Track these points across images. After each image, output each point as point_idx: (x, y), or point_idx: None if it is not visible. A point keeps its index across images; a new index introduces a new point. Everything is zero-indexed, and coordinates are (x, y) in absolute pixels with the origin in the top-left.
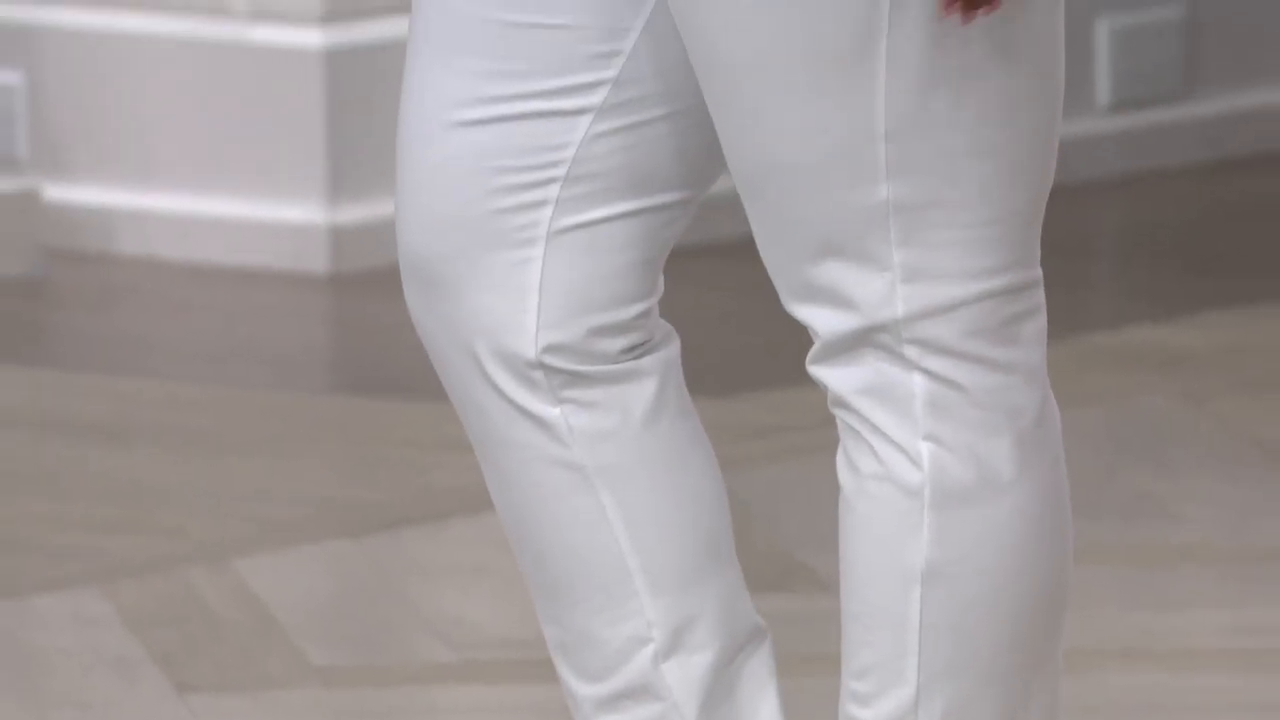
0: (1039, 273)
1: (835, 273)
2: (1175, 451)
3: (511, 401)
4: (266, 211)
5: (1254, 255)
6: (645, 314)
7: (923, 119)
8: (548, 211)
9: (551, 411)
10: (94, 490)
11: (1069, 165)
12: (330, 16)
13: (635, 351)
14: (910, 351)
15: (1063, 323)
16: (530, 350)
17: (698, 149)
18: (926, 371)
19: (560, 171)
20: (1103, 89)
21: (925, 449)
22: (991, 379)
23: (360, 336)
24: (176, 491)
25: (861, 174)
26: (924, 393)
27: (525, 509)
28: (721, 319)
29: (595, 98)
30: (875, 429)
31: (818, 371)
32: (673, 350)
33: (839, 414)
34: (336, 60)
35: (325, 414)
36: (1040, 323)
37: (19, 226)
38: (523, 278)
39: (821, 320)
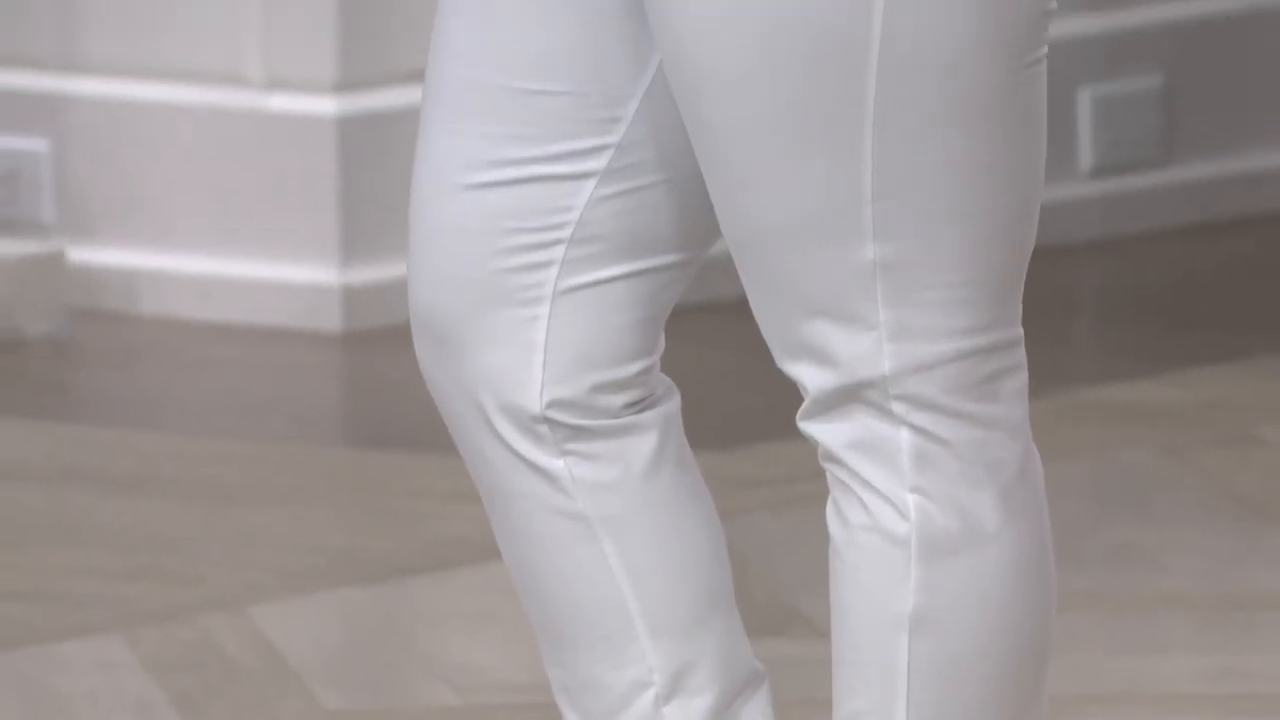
0: (1020, 331)
1: (823, 331)
2: (1157, 503)
3: (517, 454)
4: (282, 272)
5: (1231, 315)
6: (646, 371)
7: (909, 183)
8: (553, 272)
9: (555, 463)
10: (116, 540)
11: (1054, 228)
12: (343, 86)
13: (636, 406)
14: (897, 407)
15: (1048, 378)
16: (535, 405)
17: (695, 213)
18: (912, 426)
19: (566, 233)
20: (1085, 155)
21: (912, 501)
22: (974, 433)
23: (371, 392)
24: (195, 541)
25: (849, 235)
26: (910, 447)
27: (530, 557)
28: (721, 376)
29: (599, 162)
30: (864, 482)
31: (808, 427)
32: (673, 405)
33: (829, 467)
34: (349, 127)
35: (338, 467)
36: (1021, 379)
37: (45, 288)
38: (529, 335)
39: (811, 377)
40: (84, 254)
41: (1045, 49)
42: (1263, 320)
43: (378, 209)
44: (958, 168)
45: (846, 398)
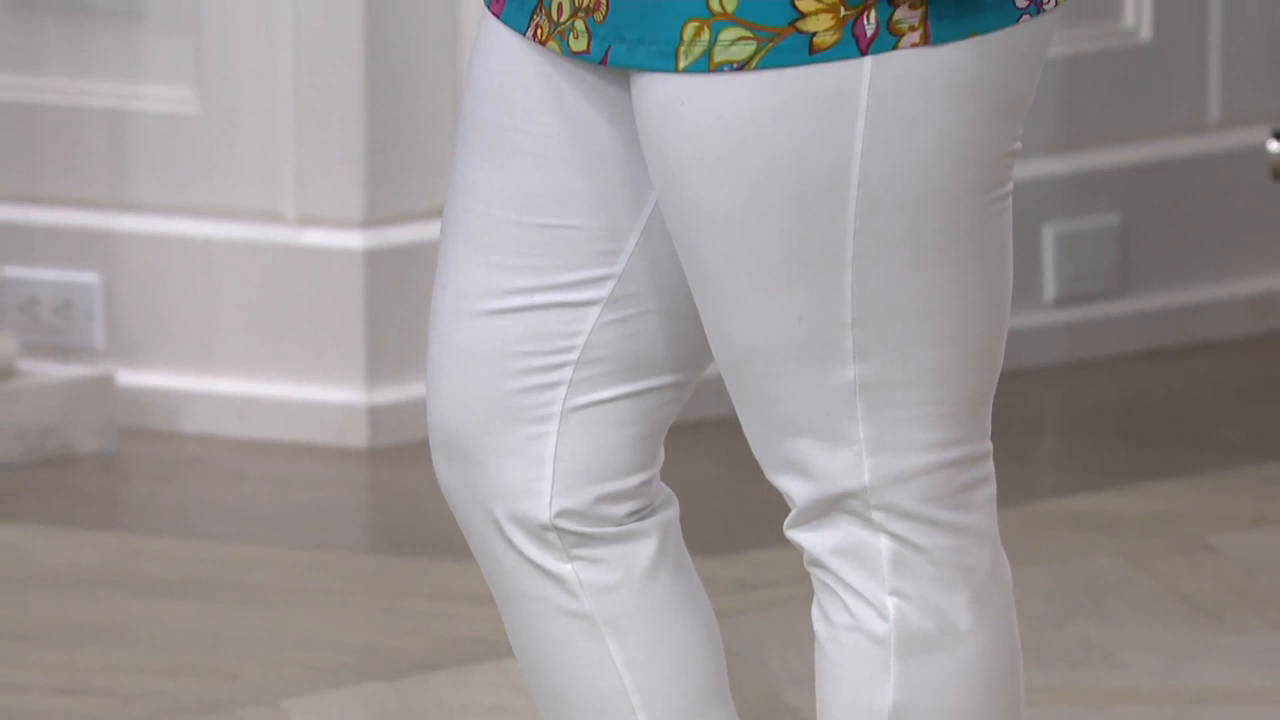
0: (989, 445)
1: (807, 447)
2: (1116, 605)
3: (527, 559)
4: (312, 393)
5: (1183, 433)
6: (647, 482)
7: (886, 310)
8: (562, 392)
9: (563, 568)
10: (159, 640)
11: (1021, 353)
12: (369, 222)
13: (638, 515)
14: (877, 516)
15: (1017, 490)
16: (544, 514)
17: (689, 338)
18: (891, 534)
19: (573, 356)
20: (1049, 286)
21: (891, 603)
22: (948, 540)
23: (394, 503)
24: (232, 640)
25: (830, 359)
26: (889, 553)
27: (539, 653)
28: (716, 487)
29: (603, 291)
30: (846, 585)
31: (795, 535)
32: (672, 513)
33: (814, 571)
34: (375, 260)
35: (364, 571)
36: (990, 489)
37: (96, 408)
38: (539, 450)
39: (796, 489)
40: (131, 377)
41: (1011, 185)
42: (1212, 439)
43: (401, 335)
44: (932, 296)
45: (830, 507)
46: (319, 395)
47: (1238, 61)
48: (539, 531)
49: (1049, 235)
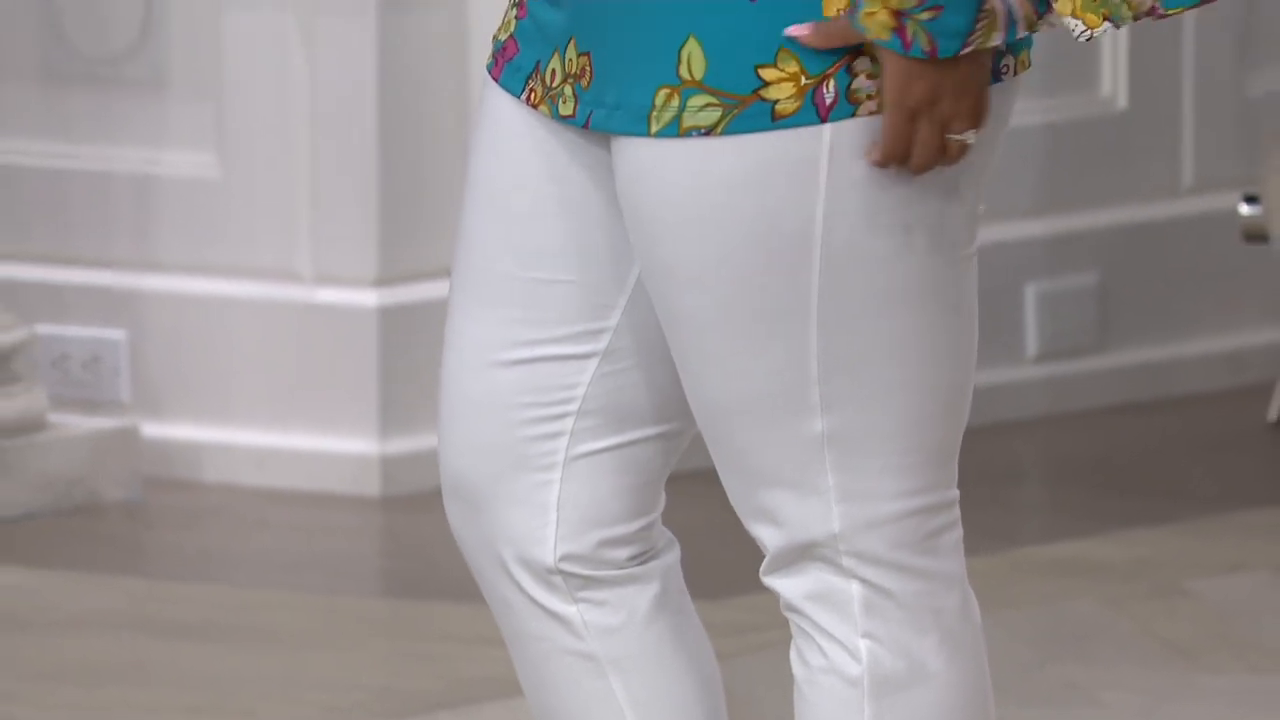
0: (956, 494)
1: (778, 496)
2: (1097, 647)
3: (534, 601)
4: (328, 444)
5: (1159, 482)
6: (647, 527)
7: (852, 364)
8: (564, 441)
9: (569, 610)
10: (181, 680)
11: (1004, 406)
12: (382, 281)
13: (639, 559)
14: (847, 562)
15: (1001, 537)
16: (550, 558)
17: (672, 391)
18: (861, 579)
19: (574, 407)
20: (1031, 343)
21: (863, 645)
22: (917, 584)
23: (407, 549)
24: (251, 681)
25: (799, 411)
26: (860, 597)
27: (547, 692)
28: (713, 532)
29: (599, 344)
30: (820, 629)
31: (770, 581)
32: (673, 557)
33: (790, 616)
34: (387, 317)
35: (377, 615)
36: (957, 534)
37: (121, 459)
38: (544, 497)
39: (770, 537)
40: (155, 429)
41: (973, 246)
42: (1187, 488)
43: (412, 388)
44: (896, 351)
45: (801, 554)
46: (334, 446)
47: (1209, 129)
48: (544, 575)
49: (1031, 294)
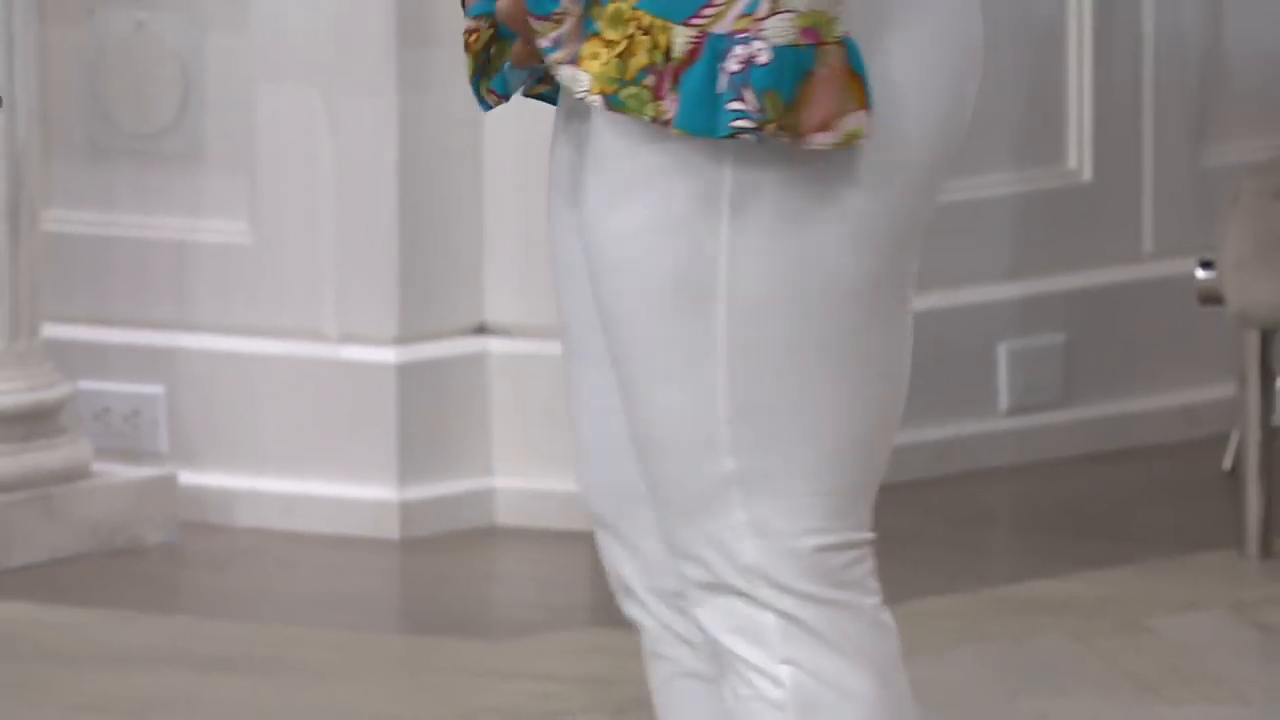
0: (868, 535)
1: (695, 532)
2: (1064, 680)
3: (664, 625)
4: (350, 491)
5: (1122, 526)
6: None
7: (759, 409)
8: None
9: (695, 633)
10: (215, 711)
11: (976, 456)
12: (401, 339)
13: None
14: (763, 594)
15: (974, 577)
16: (674, 584)
17: None
18: (777, 610)
19: None
20: (1003, 397)
21: (784, 671)
22: (830, 612)
23: (424, 589)
24: (280, 711)
25: (708, 449)
26: (776, 627)
27: (672, 712)
28: None
29: None
30: (744, 660)
31: (695, 614)
32: None
33: (715, 649)
34: (406, 373)
35: (395, 649)
36: (867, 566)
37: (159, 505)
38: None
39: (690, 572)
40: (191, 477)
41: (904, 308)
42: (1148, 531)
43: (429, 438)
44: (804, 399)
45: (720, 589)
46: (356, 493)
47: (1168, 199)
48: (673, 600)
49: (1002, 352)
